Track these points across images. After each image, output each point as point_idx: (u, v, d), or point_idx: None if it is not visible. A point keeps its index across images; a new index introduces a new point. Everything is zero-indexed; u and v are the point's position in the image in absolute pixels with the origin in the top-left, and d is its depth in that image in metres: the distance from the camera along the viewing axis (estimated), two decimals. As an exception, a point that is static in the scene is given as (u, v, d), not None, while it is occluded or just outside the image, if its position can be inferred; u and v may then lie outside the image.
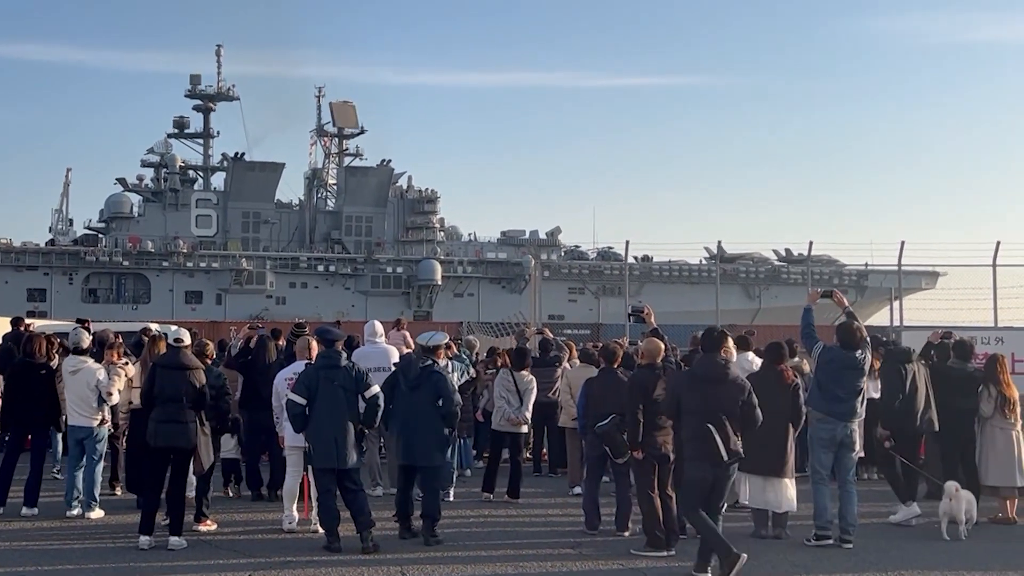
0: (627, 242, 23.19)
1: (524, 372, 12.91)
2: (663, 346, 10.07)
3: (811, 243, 22.61)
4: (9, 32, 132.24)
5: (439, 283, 78.50)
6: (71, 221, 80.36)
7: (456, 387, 11.16)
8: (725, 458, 8.61)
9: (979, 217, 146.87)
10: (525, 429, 12.99)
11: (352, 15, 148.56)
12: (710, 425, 8.59)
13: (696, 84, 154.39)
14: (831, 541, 10.03)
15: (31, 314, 58.33)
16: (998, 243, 17.77)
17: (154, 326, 15.44)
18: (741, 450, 8.75)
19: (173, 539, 9.64)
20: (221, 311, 71.26)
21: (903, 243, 19.59)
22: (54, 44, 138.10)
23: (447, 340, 11.45)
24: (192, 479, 10.42)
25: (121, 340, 12.15)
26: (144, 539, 9.61)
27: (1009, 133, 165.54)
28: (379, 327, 12.47)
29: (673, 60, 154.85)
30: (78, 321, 12.25)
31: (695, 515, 8.76)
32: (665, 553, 9.54)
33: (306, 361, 10.51)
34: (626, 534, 10.43)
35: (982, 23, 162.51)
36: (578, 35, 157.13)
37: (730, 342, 9.52)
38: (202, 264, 76.11)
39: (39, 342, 11.46)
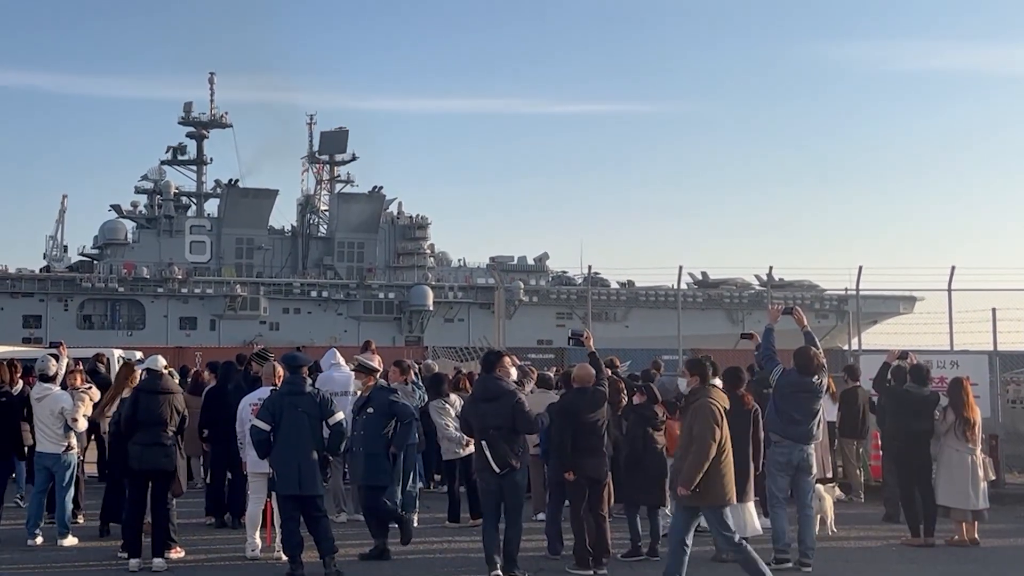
0: (589, 267, 24.56)
1: (452, 396, 13.05)
2: (594, 371, 10.17)
3: (771, 267, 23.34)
4: (5, 58, 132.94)
5: (431, 309, 78.64)
6: (66, 247, 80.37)
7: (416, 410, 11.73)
8: (497, 470, 9.34)
9: (965, 240, 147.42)
10: (472, 449, 13.09)
11: (343, 43, 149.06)
12: (483, 441, 9.38)
13: (682, 111, 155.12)
14: (790, 564, 10.08)
15: (27, 340, 58.59)
16: (953, 268, 18.21)
17: (118, 351, 15.55)
18: (516, 462, 9.37)
19: (156, 561, 9.82)
20: (215, 337, 71.34)
21: (860, 268, 19.89)
22: (49, 71, 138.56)
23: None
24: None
25: (80, 366, 12.26)
26: (133, 562, 9.79)
27: (980, 156, 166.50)
28: (338, 354, 12.89)
29: (657, 87, 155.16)
30: (52, 344, 12.28)
31: (486, 524, 9.57)
32: (592, 572, 9.79)
33: (271, 387, 10.61)
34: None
35: (943, 50, 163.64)
36: (566, 62, 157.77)
37: (507, 361, 10.02)
38: (196, 290, 76.07)
39: (3, 369, 11.56)
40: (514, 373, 11.21)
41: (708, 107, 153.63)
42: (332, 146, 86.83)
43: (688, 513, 8.90)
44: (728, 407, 9.05)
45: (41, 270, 76.70)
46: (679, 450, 8.93)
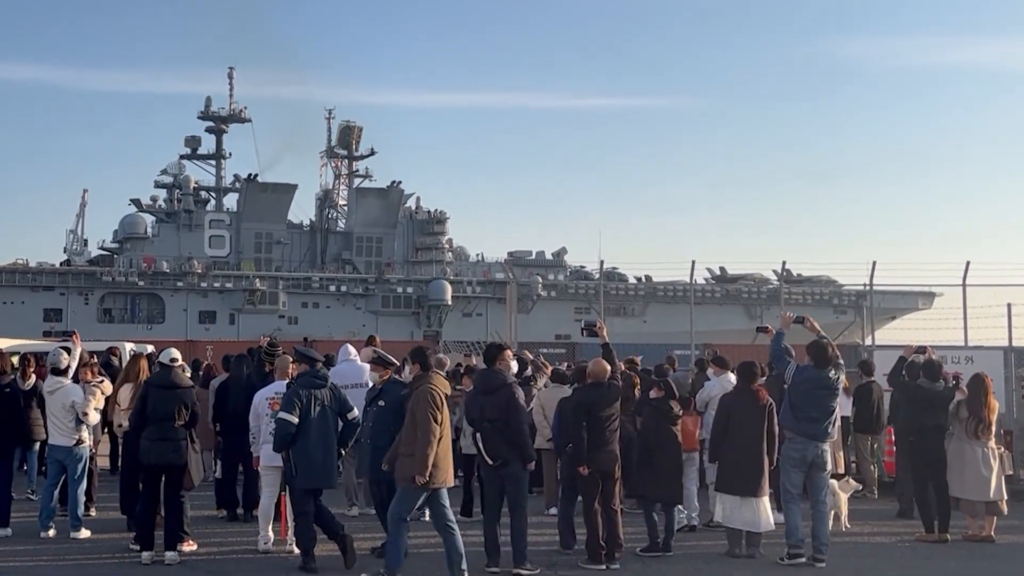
0: (601, 261, 25.11)
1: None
2: (609, 366, 10.19)
3: (784, 262, 23.27)
4: (27, 54, 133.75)
5: (449, 303, 78.66)
6: (86, 241, 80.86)
7: None
8: (490, 463, 9.56)
9: (981, 235, 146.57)
10: None
11: (360, 38, 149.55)
12: (477, 433, 9.55)
13: (697, 106, 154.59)
14: (804, 560, 10.06)
15: (47, 334, 58.95)
16: (968, 263, 18.23)
17: (129, 345, 15.58)
18: (510, 454, 9.49)
19: (169, 554, 9.87)
20: (235, 331, 71.62)
21: (874, 263, 19.83)
22: (68, 66, 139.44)
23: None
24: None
25: (95, 359, 12.26)
26: (146, 554, 9.85)
27: (995, 151, 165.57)
28: (351, 347, 12.89)
29: (673, 82, 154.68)
30: (64, 335, 12.28)
31: (487, 517, 9.74)
32: (605, 567, 9.83)
33: (287, 381, 10.60)
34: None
35: (958, 45, 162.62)
36: (583, 56, 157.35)
37: (508, 354, 10.17)
38: (216, 284, 76.42)
39: (6, 361, 11.55)
40: (515, 366, 11.22)
41: (723, 102, 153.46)
42: (348, 141, 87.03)
43: (412, 495, 9.01)
44: (449, 393, 9.40)
45: (61, 264, 77.17)
46: (405, 436, 9.07)
